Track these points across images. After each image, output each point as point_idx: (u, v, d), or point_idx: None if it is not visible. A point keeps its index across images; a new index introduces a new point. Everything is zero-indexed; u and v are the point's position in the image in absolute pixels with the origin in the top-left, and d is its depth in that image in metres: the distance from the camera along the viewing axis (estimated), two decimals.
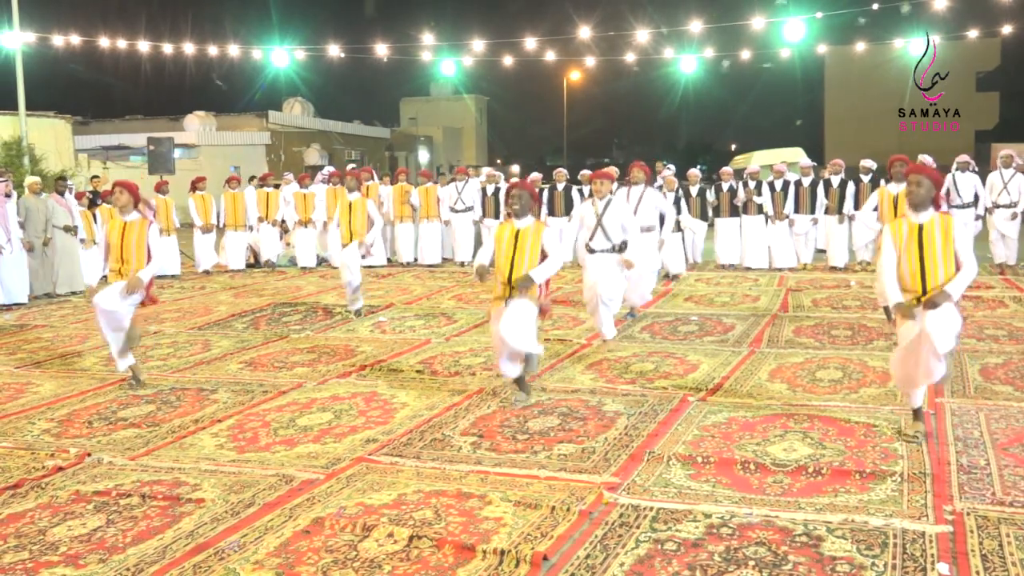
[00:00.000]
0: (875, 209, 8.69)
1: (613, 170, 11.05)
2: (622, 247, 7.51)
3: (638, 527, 3.81)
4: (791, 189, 13.04)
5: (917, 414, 5.04)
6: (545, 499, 4.13)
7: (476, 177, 15.48)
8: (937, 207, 4.90)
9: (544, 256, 5.82)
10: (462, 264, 14.62)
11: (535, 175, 15.04)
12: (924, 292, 4.83)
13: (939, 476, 4.29)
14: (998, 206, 11.94)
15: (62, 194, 12.25)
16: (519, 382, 5.94)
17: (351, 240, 9.29)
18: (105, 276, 6.77)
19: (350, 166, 16.59)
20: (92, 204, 13.24)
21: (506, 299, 5.78)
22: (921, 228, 4.87)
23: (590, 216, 7.53)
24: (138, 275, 6.46)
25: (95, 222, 12.89)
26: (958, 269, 4.80)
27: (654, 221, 8.91)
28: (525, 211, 5.87)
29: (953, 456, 4.58)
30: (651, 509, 4.00)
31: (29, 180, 11.99)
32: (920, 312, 4.76)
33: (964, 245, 4.84)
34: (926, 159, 12.31)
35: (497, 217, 14.29)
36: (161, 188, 14.42)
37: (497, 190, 14.60)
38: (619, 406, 5.70)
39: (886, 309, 8.32)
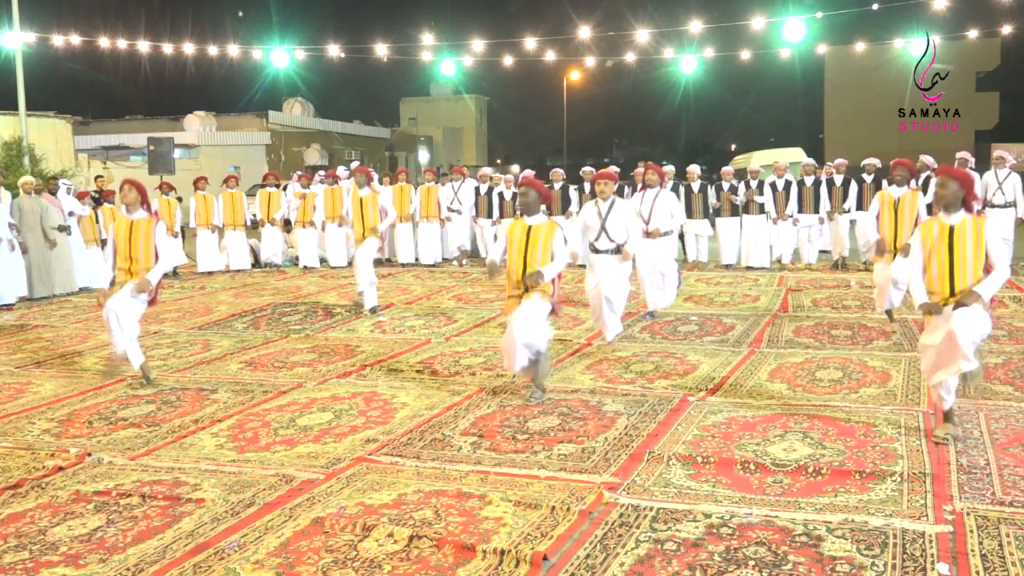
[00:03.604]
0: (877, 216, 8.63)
1: (614, 170, 11.12)
2: (623, 245, 7.49)
3: (638, 527, 3.81)
4: (793, 189, 13.07)
5: (948, 416, 4.94)
6: (545, 499, 4.13)
7: (472, 177, 15.64)
8: (969, 209, 4.85)
9: (553, 256, 5.91)
10: (459, 249, 14.72)
11: (527, 172, 15.10)
12: (952, 295, 4.78)
13: (939, 476, 4.29)
14: (993, 206, 12.02)
15: (54, 194, 12.25)
16: (533, 379, 5.97)
17: (364, 237, 9.35)
18: (113, 278, 6.79)
19: (353, 164, 16.66)
20: (96, 204, 13.25)
21: (521, 297, 5.86)
22: (952, 229, 4.82)
23: (593, 218, 7.53)
24: (147, 277, 6.53)
25: (97, 222, 12.90)
26: (987, 272, 4.74)
27: (670, 224, 8.87)
28: (535, 208, 5.98)
29: (953, 456, 4.58)
30: (651, 509, 4.00)
31: (22, 180, 11.94)
32: (948, 311, 4.72)
33: (996, 247, 4.78)
34: (927, 160, 12.37)
35: (489, 216, 14.36)
36: (163, 188, 14.45)
37: (490, 190, 14.66)
38: (619, 406, 5.70)
39: (888, 312, 8.32)
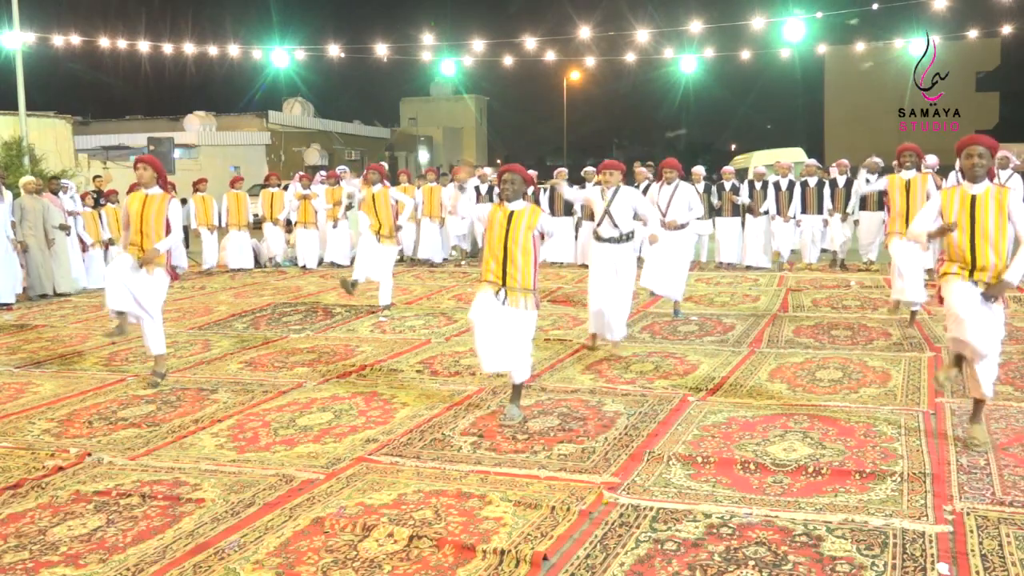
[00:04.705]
0: (883, 195, 8.54)
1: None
2: (629, 236, 7.33)
3: (638, 527, 3.81)
4: (796, 190, 13.08)
5: (957, 360, 4.83)
6: (545, 499, 4.13)
7: (472, 177, 15.71)
8: (991, 178, 4.70)
9: (543, 237, 5.79)
10: (454, 248, 14.75)
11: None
12: (973, 267, 4.64)
13: (939, 476, 4.29)
14: None
15: (56, 193, 12.25)
16: (511, 399, 5.66)
17: (379, 229, 9.43)
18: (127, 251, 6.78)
19: (341, 167, 16.76)
20: (96, 204, 13.24)
21: (500, 286, 5.51)
22: (974, 199, 4.61)
23: (598, 202, 7.35)
24: (155, 246, 6.52)
25: (100, 222, 12.90)
26: (1014, 245, 4.60)
27: (687, 216, 8.82)
28: (517, 194, 5.67)
29: (953, 456, 4.58)
30: (651, 509, 4.00)
31: (24, 180, 11.95)
32: (972, 290, 4.61)
33: (1022, 218, 4.56)
34: (930, 159, 12.36)
35: None
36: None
37: (491, 189, 14.68)
38: (619, 406, 5.70)
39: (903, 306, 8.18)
